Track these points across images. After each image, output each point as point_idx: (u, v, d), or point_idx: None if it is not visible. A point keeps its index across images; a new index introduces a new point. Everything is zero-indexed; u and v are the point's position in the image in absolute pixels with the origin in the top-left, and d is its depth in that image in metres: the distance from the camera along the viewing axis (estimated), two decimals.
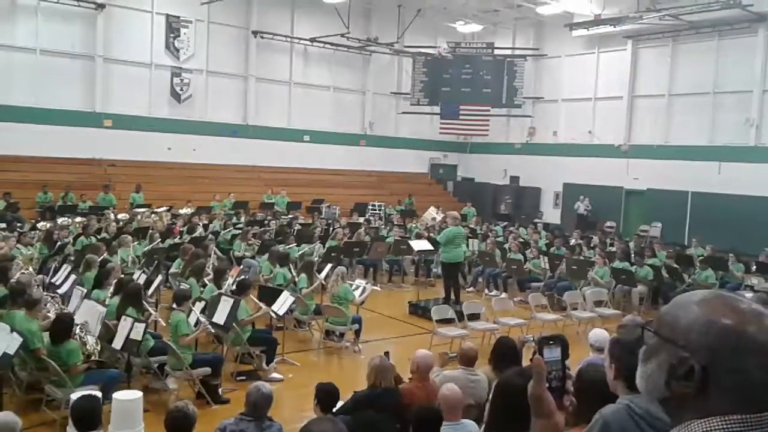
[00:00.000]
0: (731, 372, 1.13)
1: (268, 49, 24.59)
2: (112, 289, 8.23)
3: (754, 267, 13.95)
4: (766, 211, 18.33)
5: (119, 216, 16.74)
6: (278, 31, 24.31)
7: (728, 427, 1.12)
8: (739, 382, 1.13)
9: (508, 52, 26.29)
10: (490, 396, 3.02)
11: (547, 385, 1.49)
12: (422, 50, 26.07)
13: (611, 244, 17.13)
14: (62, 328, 6.45)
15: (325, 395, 4.74)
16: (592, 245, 16.61)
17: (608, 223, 22.32)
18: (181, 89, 22.86)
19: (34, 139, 19.31)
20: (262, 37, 24.15)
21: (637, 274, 12.76)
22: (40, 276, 10.12)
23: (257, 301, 8.80)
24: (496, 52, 26.10)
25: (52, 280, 9.54)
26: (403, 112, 26.99)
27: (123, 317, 6.93)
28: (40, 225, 14.66)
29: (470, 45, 26.91)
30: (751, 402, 1.13)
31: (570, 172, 24.20)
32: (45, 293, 8.28)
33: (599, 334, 5.68)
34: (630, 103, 23.22)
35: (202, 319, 7.55)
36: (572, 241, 16.72)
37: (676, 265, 13.64)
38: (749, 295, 10.01)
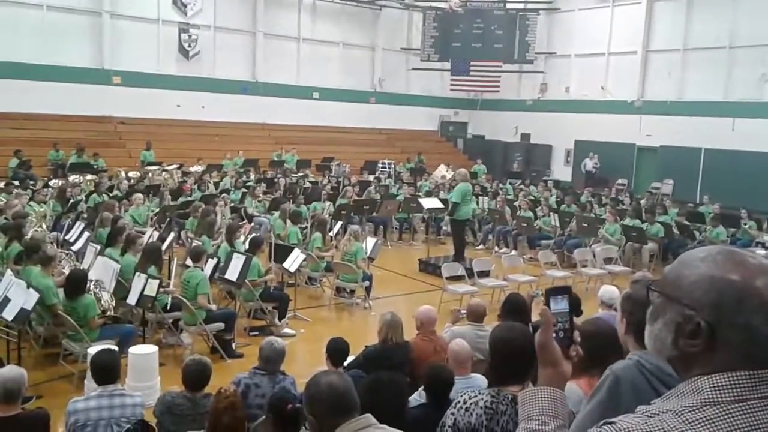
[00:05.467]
0: (737, 328, 1.13)
1: (275, 4, 24.23)
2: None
3: (766, 224, 13.91)
4: None
5: (130, 174, 16.83)
6: None
7: (735, 383, 1.12)
8: (746, 338, 1.12)
9: (521, 6, 25.77)
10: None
11: (554, 335, 1.52)
12: (433, 4, 25.59)
13: (622, 202, 17.08)
14: (76, 283, 6.56)
15: (335, 350, 4.83)
16: (602, 203, 16.56)
17: (620, 181, 22.17)
18: (189, 45, 22.64)
19: (43, 97, 19.26)
20: None
21: (647, 231, 12.73)
22: (54, 233, 10.24)
23: (268, 261, 8.88)
24: (508, 6, 25.58)
25: (66, 237, 9.65)
26: (413, 69, 26.62)
27: (137, 274, 7.01)
28: (52, 183, 14.76)
29: None
30: (759, 358, 1.13)
31: (582, 128, 23.90)
32: (59, 250, 8.39)
33: (610, 291, 5.71)
34: (644, 57, 22.79)
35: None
36: (583, 199, 16.68)
37: (687, 222, 13.62)
38: (761, 252, 10.02)
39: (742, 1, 19.96)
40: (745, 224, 13.61)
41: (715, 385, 1.13)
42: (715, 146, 19.99)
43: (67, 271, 7.31)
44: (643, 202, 16.68)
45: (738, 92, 20.04)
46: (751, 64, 19.75)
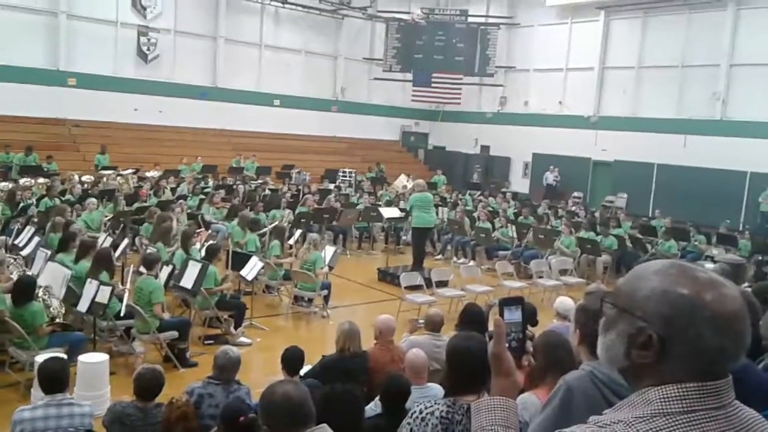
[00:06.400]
0: (688, 340, 1.15)
1: (238, 9, 24.06)
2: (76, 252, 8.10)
3: (715, 238, 14.31)
4: (728, 184, 18.74)
5: (84, 178, 16.42)
6: None
7: (684, 394, 1.14)
8: (696, 351, 1.15)
9: (482, 19, 26.14)
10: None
11: (507, 345, 1.53)
12: (396, 15, 25.76)
13: (577, 214, 17.38)
14: (24, 290, 6.36)
15: (290, 358, 4.79)
16: (559, 215, 16.84)
17: (575, 194, 22.60)
18: (148, 49, 22.28)
19: None
20: None
21: (601, 243, 12.99)
22: (2, 237, 9.93)
23: (226, 269, 8.77)
24: (470, 19, 25.93)
25: (15, 242, 9.37)
26: (376, 78, 26.74)
27: (89, 280, 6.84)
28: (2, 185, 14.31)
29: (444, 11, 26.71)
30: (708, 370, 1.15)
31: (539, 142, 24.31)
32: (7, 255, 8.13)
33: (565, 302, 5.78)
34: (600, 74, 23.33)
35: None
36: (540, 211, 16.93)
37: (639, 236, 13.94)
38: (710, 265, 10.29)
39: (694, 23, 20.62)
40: (695, 238, 14.00)
41: (665, 396, 1.15)
42: (668, 162, 20.54)
43: (15, 277, 7.08)
44: (597, 215, 17.01)
45: (690, 110, 20.67)
46: (702, 83, 20.38)
